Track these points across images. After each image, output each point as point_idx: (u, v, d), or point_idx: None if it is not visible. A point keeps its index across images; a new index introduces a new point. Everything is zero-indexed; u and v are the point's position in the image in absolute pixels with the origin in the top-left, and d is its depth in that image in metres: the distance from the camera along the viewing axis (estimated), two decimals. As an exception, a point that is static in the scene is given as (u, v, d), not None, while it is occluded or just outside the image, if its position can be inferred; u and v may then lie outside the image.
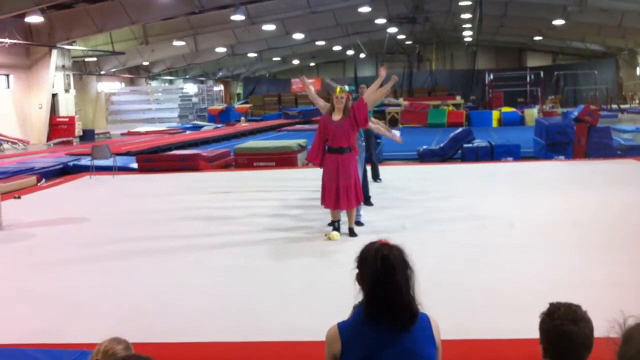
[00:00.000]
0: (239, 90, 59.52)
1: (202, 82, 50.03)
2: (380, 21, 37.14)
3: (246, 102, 50.33)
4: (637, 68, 44.09)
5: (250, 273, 6.48)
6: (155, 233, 8.56)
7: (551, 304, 2.28)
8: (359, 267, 2.59)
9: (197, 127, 34.81)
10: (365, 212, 8.75)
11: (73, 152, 20.10)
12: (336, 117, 7.87)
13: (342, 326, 2.58)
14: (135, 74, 42.40)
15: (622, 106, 39.39)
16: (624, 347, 1.71)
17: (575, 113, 16.23)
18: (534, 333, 2.33)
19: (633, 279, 5.69)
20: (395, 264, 2.50)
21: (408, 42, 48.81)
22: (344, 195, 7.77)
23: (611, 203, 9.49)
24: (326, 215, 8.18)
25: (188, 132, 31.92)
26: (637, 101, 43.29)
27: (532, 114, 29.20)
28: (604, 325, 1.95)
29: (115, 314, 5.32)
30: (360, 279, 2.57)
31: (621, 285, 5.49)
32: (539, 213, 8.92)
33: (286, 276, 6.30)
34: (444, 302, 4.92)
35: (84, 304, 5.67)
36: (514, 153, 15.91)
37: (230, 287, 6.01)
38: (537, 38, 45.72)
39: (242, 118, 40.47)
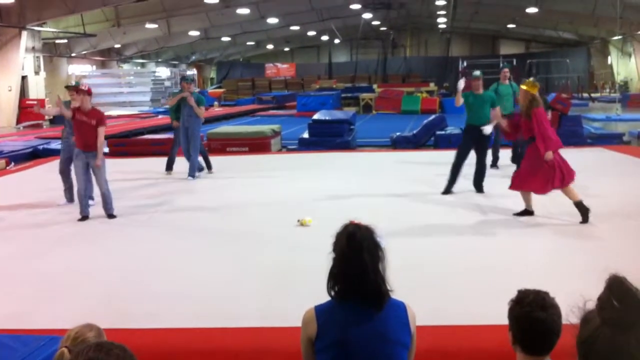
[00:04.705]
0: (213, 74, 59.09)
1: (174, 65, 49.54)
2: (355, 6, 37.06)
3: (219, 87, 49.99)
4: (609, 57, 44.61)
5: (226, 259, 6.47)
6: (127, 218, 8.50)
7: (520, 291, 2.31)
8: (333, 249, 2.63)
9: (169, 112, 34.42)
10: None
11: (43, 136, 19.82)
12: None
13: (318, 309, 2.61)
14: (106, 57, 41.85)
15: (592, 95, 39.85)
16: (581, 330, 1.75)
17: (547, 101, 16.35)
18: (504, 319, 2.35)
19: (599, 266, 5.77)
20: (362, 242, 2.54)
21: (383, 28, 48.84)
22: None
23: (588, 191, 9.60)
24: (302, 201, 8.13)
25: (160, 116, 31.58)
26: (607, 90, 43.82)
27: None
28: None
29: (87, 299, 5.28)
30: (333, 260, 2.61)
31: (589, 272, 5.57)
32: (510, 197, 9.00)
33: (262, 262, 6.29)
34: (418, 286, 4.95)
35: (55, 289, 5.62)
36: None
37: (205, 273, 5.99)
38: (510, 26, 46.02)
39: (216, 103, 40.16)
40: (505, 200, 8.83)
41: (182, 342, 4.41)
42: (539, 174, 7.49)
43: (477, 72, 9.84)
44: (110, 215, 8.43)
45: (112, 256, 6.68)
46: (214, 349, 4.33)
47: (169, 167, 12.34)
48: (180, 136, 11.88)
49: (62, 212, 8.94)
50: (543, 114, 7.62)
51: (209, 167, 12.37)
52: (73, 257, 6.68)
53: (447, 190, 9.47)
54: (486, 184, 9.71)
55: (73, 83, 9.32)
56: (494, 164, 11.95)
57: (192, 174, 11.60)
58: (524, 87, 7.71)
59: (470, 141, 9.48)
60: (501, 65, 13.94)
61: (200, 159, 12.18)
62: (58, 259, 6.60)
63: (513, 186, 7.86)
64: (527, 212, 7.88)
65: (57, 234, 7.71)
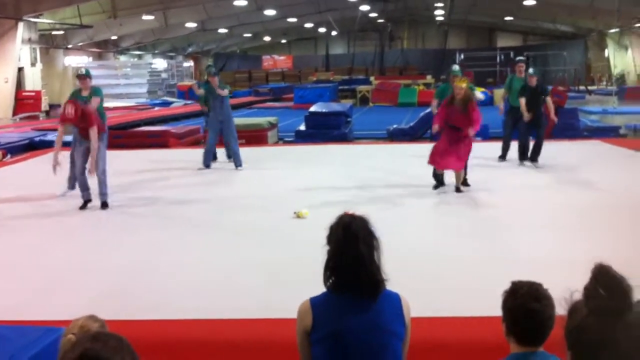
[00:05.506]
0: (210, 66, 58.92)
1: (171, 57, 49.40)
2: (353, -2, 37.04)
3: (216, 79, 49.79)
4: (606, 50, 44.61)
5: (222, 252, 6.47)
6: (125, 210, 8.51)
7: (514, 283, 2.33)
8: (327, 241, 2.64)
9: (166, 104, 34.36)
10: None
11: (39, 127, 19.78)
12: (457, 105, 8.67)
13: (314, 301, 2.63)
14: (103, 48, 41.73)
15: (589, 87, 39.87)
16: (569, 320, 1.78)
17: (544, 94, 16.33)
18: (498, 311, 2.38)
19: (591, 258, 5.79)
20: (357, 233, 2.56)
21: (380, 21, 48.73)
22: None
23: (584, 183, 9.64)
24: (299, 193, 8.13)
25: (157, 108, 31.52)
26: (604, 83, 43.83)
27: (501, 94, 29.33)
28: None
29: (85, 292, 5.28)
30: (328, 252, 2.63)
31: (580, 264, 5.59)
32: (507, 191, 9.03)
33: (258, 255, 6.30)
34: (410, 278, 4.97)
35: (54, 281, 5.63)
36: (483, 133, 15.96)
37: (205, 265, 6.00)
38: (508, 18, 45.95)
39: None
40: (500, 195, 8.88)
41: (180, 333, 4.42)
42: (454, 154, 8.71)
43: (456, 67, 10.11)
44: (104, 204, 8.45)
45: (109, 249, 6.69)
46: (213, 340, 4.34)
47: (214, 157, 12.26)
48: (213, 127, 11.88)
49: (60, 203, 8.94)
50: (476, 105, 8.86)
51: (209, 163, 12.13)
52: (71, 249, 6.69)
53: (440, 184, 9.50)
54: (486, 177, 9.74)
55: (83, 72, 9.33)
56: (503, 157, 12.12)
57: (239, 163, 11.72)
58: (462, 84, 8.72)
59: None
60: (517, 58, 14.19)
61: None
62: (55, 251, 6.60)
63: (431, 161, 8.99)
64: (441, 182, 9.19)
65: (54, 226, 7.72)
